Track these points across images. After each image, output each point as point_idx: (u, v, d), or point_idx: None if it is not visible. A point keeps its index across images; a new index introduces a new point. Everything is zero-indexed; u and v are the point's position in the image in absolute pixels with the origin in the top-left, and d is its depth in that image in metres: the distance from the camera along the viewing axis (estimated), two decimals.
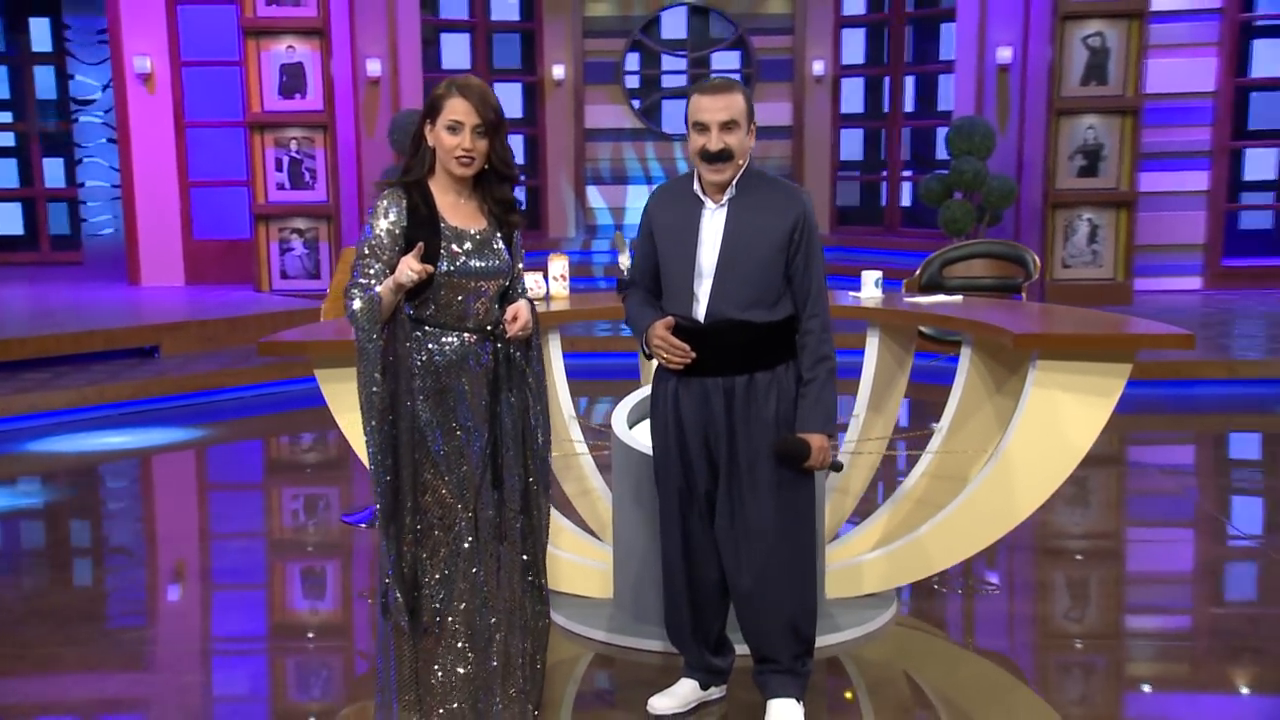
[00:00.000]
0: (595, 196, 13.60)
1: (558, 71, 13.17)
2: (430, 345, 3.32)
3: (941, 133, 12.74)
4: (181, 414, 8.16)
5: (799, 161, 13.20)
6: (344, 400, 4.50)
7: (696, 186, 3.49)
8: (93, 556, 5.79)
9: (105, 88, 12.97)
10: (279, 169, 11.24)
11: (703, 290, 3.44)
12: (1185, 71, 11.24)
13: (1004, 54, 11.33)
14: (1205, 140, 11.43)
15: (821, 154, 13.21)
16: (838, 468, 3.61)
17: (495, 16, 13.21)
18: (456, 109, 3.25)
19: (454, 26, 13.10)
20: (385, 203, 3.31)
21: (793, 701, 3.59)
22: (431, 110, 3.31)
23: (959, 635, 4.60)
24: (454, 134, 3.24)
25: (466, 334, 3.32)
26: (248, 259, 11.72)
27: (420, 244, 3.22)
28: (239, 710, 4.10)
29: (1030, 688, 4.14)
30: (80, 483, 6.85)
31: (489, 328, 3.35)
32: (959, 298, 5.06)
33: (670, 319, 3.44)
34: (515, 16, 13.43)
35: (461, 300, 3.31)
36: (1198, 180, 11.45)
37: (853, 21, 13.14)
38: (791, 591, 3.53)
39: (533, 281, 5.28)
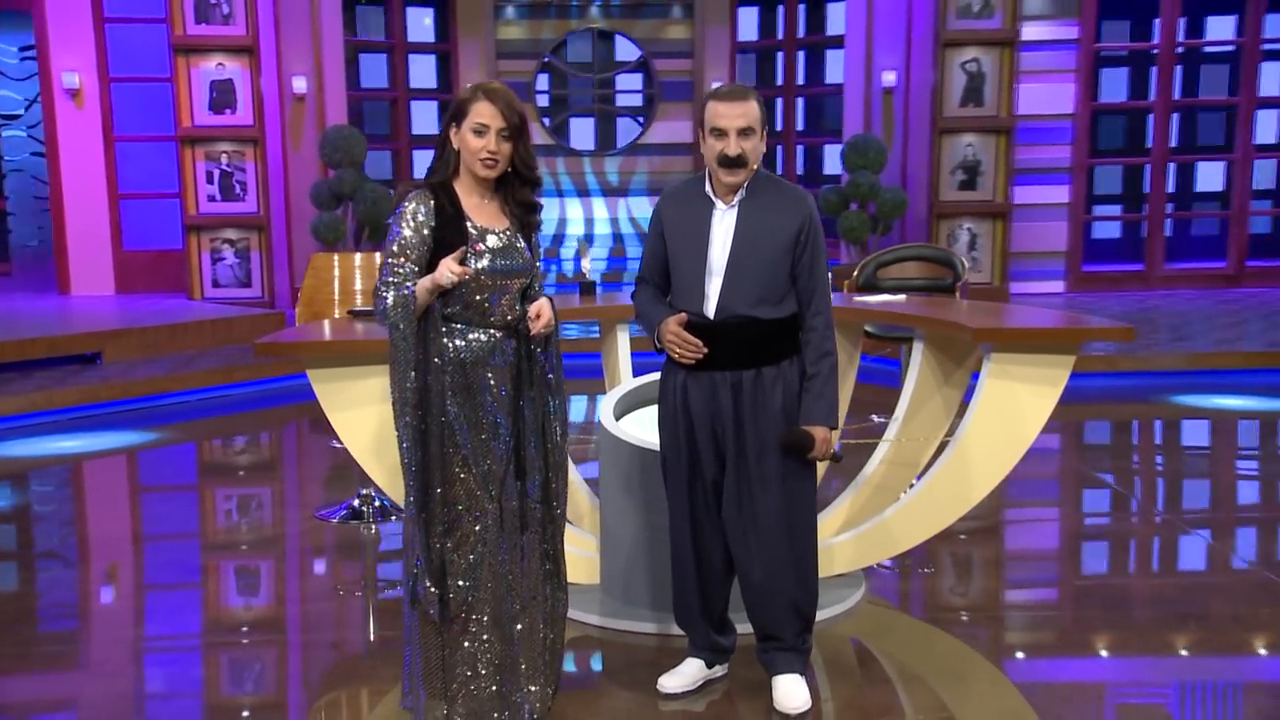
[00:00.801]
0: None
1: None
2: (458, 342, 3.22)
3: (830, 149, 12.93)
4: (129, 418, 7.82)
5: None
6: (336, 399, 4.35)
7: (708, 188, 3.44)
8: (60, 558, 5.49)
9: (32, 103, 12.37)
10: (210, 181, 10.86)
11: (713, 287, 3.39)
12: (1049, 95, 11.56)
13: (889, 78, 11.51)
14: (1066, 158, 11.76)
15: None
16: (837, 458, 3.59)
17: (412, 38, 12.95)
18: (483, 112, 3.16)
19: (373, 47, 12.82)
20: (413, 204, 3.21)
21: (796, 676, 3.56)
22: (458, 113, 3.22)
23: (919, 612, 4.61)
24: (480, 136, 3.16)
25: (492, 331, 3.24)
26: (178, 268, 11.31)
27: (462, 247, 3.13)
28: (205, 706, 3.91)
29: (984, 659, 4.14)
30: (32, 486, 6.51)
31: (512, 325, 3.26)
32: (903, 297, 5.09)
33: (683, 315, 3.39)
34: (431, 38, 13.19)
35: (488, 298, 3.23)
36: (1060, 194, 11.78)
37: (747, 47, 13.22)
38: (796, 575, 3.50)
39: None
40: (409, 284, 3.13)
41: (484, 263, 3.18)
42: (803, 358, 3.42)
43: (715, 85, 3.50)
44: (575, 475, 4.97)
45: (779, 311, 3.39)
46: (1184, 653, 4.13)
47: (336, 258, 5.55)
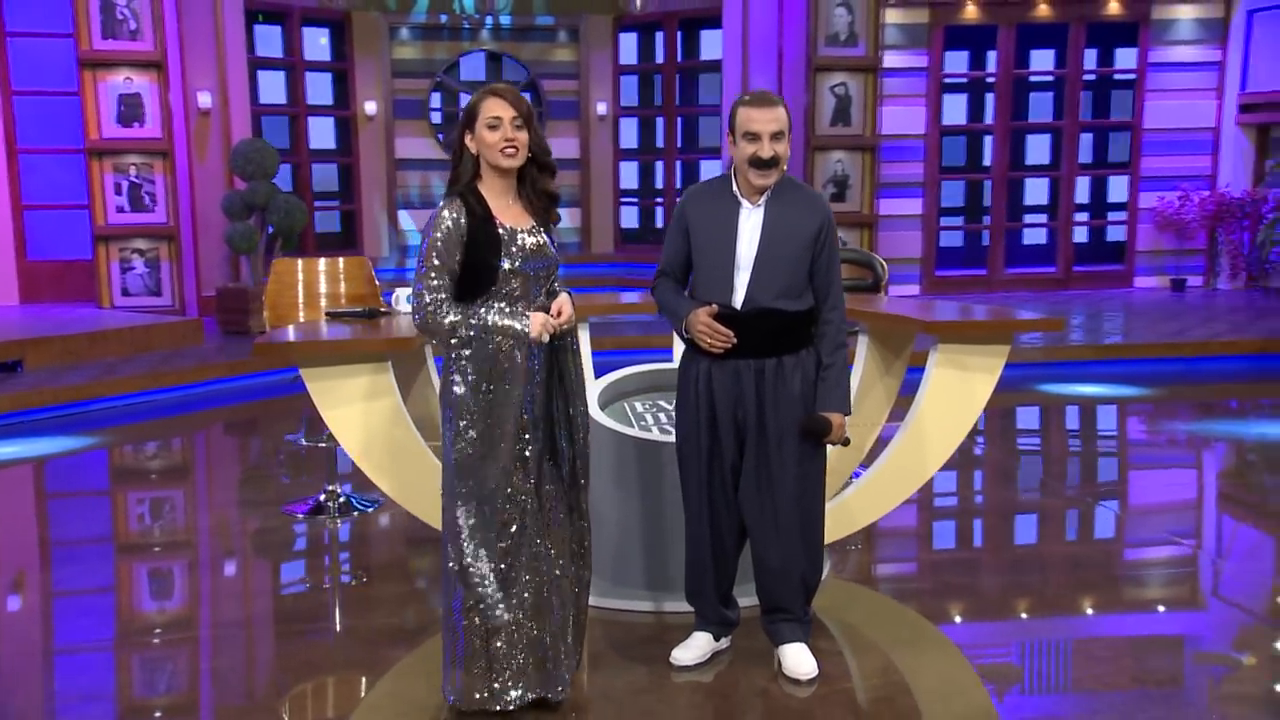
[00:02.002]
0: (406, 219, 13.18)
1: (370, 107, 12.69)
2: (495, 346, 3.16)
3: (705, 164, 13.07)
4: (58, 424, 7.37)
5: (586, 190, 13.22)
6: (329, 397, 4.20)
7: (735, 189, 3.43)
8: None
9: None
10: (118, 193, 10.31)
11: (740, 281, 3.39)
12: (906, 117, 11.95)
13: None
14: (919, 174, 12.16)
15: (605, 183, 13.29)
16: (846, 442, 3.62)
17: (309, 56, 12.56)
18: (493, 107, 3.13)
19: (272, 64, 12.37)
20: (447, 211, 3.13)
21: (802, 645, 3.58)
22: (469, 118, 3.18)
23: (870, 585, 4.70)
24: (495, 130, 3.12)
25: (522, 327, 3.16)
26: (85, 278, 10.75)
27: (556, 312, 3.18)
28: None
29: (933, 625, 4.22)
30: None
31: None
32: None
33: (713, 307, 3.37)
34: (327, 57, 12.81)
35: (525, 292, 3.17)
36: (915, 206, 12.18)
37: (629, 70, 13.26)
38: (806, 551, 3.53)
39: None
40: (442, 291, 3.09)
41: (513, 262, 3.13)
42: (818, 348, 3.45)
43: (753, 93, 3.49)
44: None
45: (799, 304, 3.42)
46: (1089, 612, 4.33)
47: (300, 263, 5.35)
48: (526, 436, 3.18)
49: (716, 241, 3.42)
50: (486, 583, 3.16)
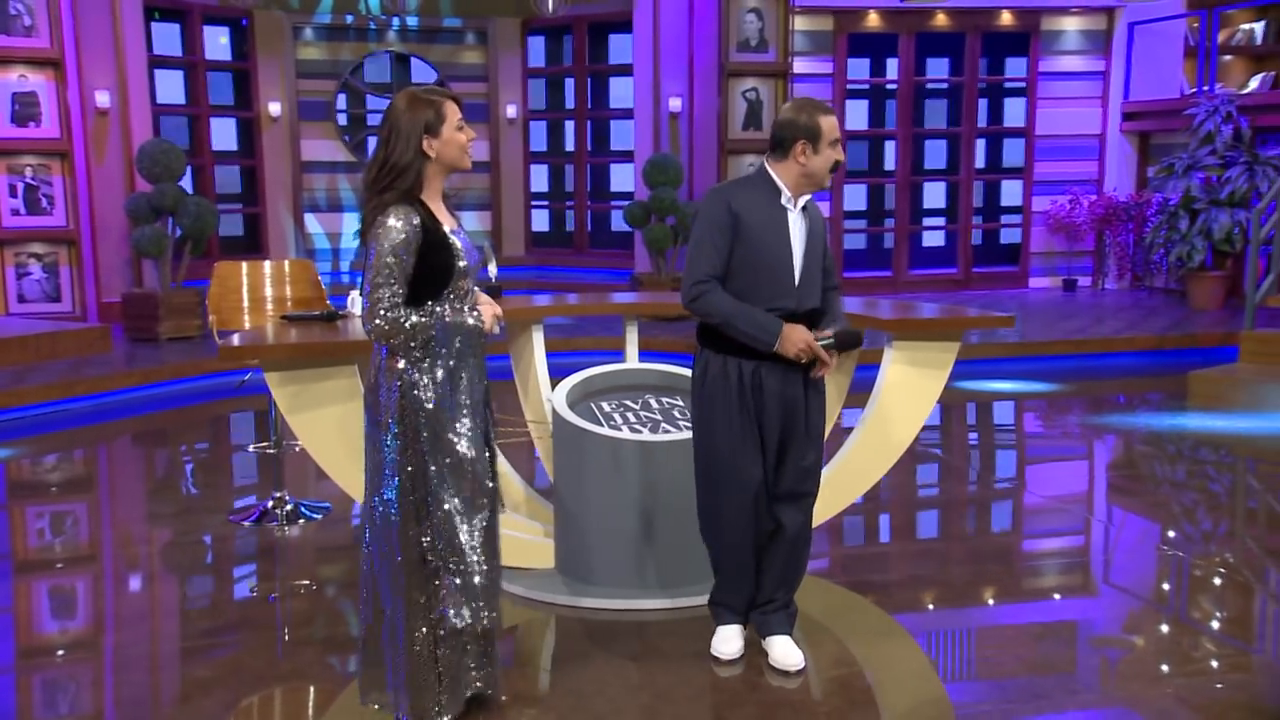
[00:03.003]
0: (312, 223, 12.93)
1: (274, 108, 12.42)
2: (459, 339, 3.23)
3: (615, 168, 13.15)
4: None
5: (497, 192, 13.16)
6: (294, 401, 4.15)
7: (785, 194, 3.48)
8: None
9: None
10: (14, 195, 9.89)
11: (797, 283, 3.47)
12: None
13: (675, 103, 11.84)
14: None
15: (516, 186, 13.25)
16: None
17: (209, 56, 12.23)
18: (455, 108, 3.21)
19: (171, 63, 12.01)
20: (397, 218, 3.11)
21: (788, 637, 3.71)
22: (436, 120, 3.16)
23: (838, 578, 4.82)
24: (462, 130, 3.20)
25: (475, 321, 3.24)
26: None
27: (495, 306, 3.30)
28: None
29: (877, 607, 4.40)
30: None
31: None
32: None
33: (821, 331, 3.49)
34: (228, 56, 12.50)
35: (469, 290, 3.26)
36: (823, 209, 12.41)
37: (537, 73, 13.25)
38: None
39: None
40: (434, 314, 3.13)
41: (460, 261, 3.20)
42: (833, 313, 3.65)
43: (816, 101, 3.61)
44: (505, 466, 4.92)
45: (820, 303, 3.60)
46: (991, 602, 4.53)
47: (245, 266, 5.24)
48: (479, 415, 3.25)
49: (774, 246, 3.44)
50: (473, 571, 3.16)
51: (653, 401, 4.53)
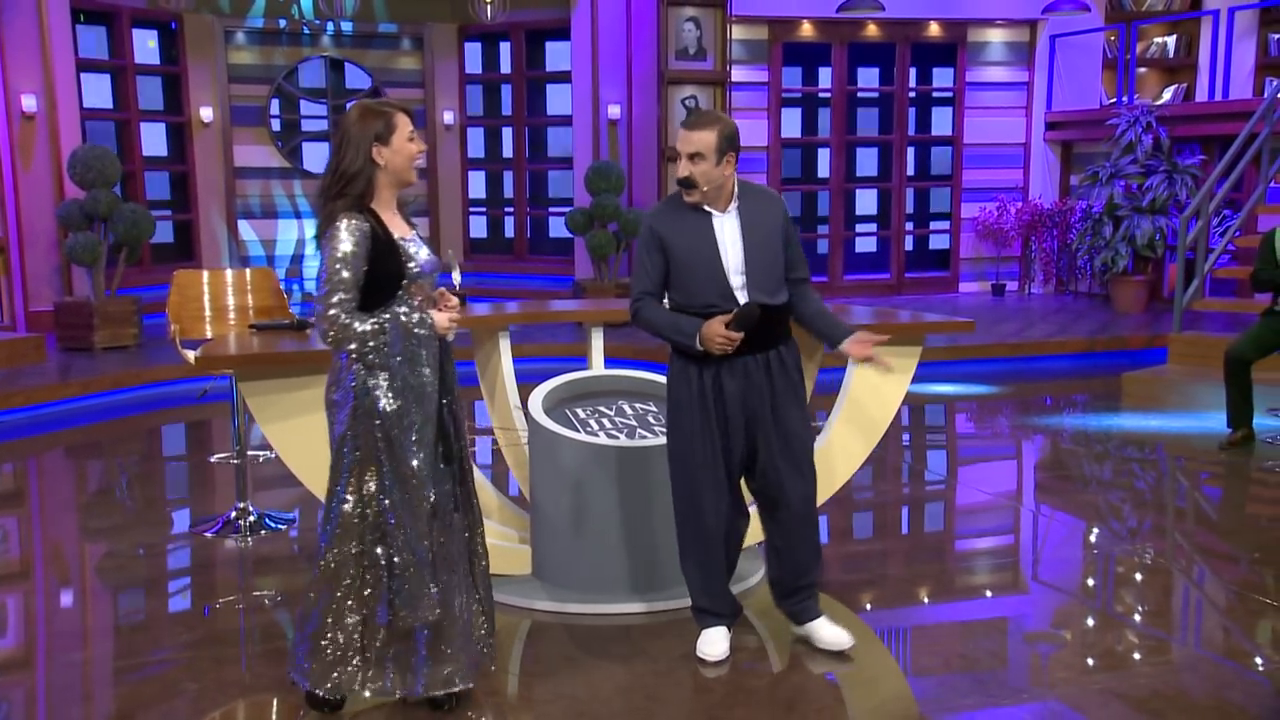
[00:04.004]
0: (246, 229, 12.72)
1: (206, 113, 12.20)
2: (413, 344, 3.26)
3: (553, 175, 13.15)
4: None
5: (434, 199, 13.08)
6: (269, 411, 4.12)
7: (704, 203, 3.60)
8: None
9: None
10: None
11: (736, 283, 3.55)
12: (749, 130, 12.33)
13: (614, 111, 11.90)
14: (763, 185, 12.56)
15: (453, 193, 13.19)
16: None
17: (138, 59, 11.96)
18: (407, 120, 3.28)
19: (96, 67, 11.73)
20: (348, 227, 3.17)
21: (825, 619, 3.86)
22: (387, 130, 3.22)
23: None
24: (413, 141, 3.27)
25: (427, 328, 3.30)
26: None
27: (455, 302, 3.36)
28: None
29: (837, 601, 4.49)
30: None
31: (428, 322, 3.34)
32: None
33: (725, 317, 3.52)
34: (155, 60, 12.24)
35: (422, 299, 3.31)
36: None
37: (474, 79, 13.21)
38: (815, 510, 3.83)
39: None
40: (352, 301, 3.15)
41: (412, 269, 3.25)
42: (811, 308, 3.78)
43: (692, 114, 3.68)
44: (478, 474, 4.92)
45: (782, 299, 3.66)
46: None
47: (206, 274, 5.16)
48: (425, 432, 3.28)
49: (700, 251, 3.56)
50: (410, 573, 3.22)
51: (626, 407, 4.57)
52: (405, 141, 3.23)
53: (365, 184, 3.20)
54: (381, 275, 3.19)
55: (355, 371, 3.21)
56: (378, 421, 3.19)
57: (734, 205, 3.61)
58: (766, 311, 3.57)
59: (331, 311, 3.13)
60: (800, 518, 3.76)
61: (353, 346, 3.16)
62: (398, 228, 3.27)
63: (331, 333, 3.14)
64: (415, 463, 3.21)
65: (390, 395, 3.19)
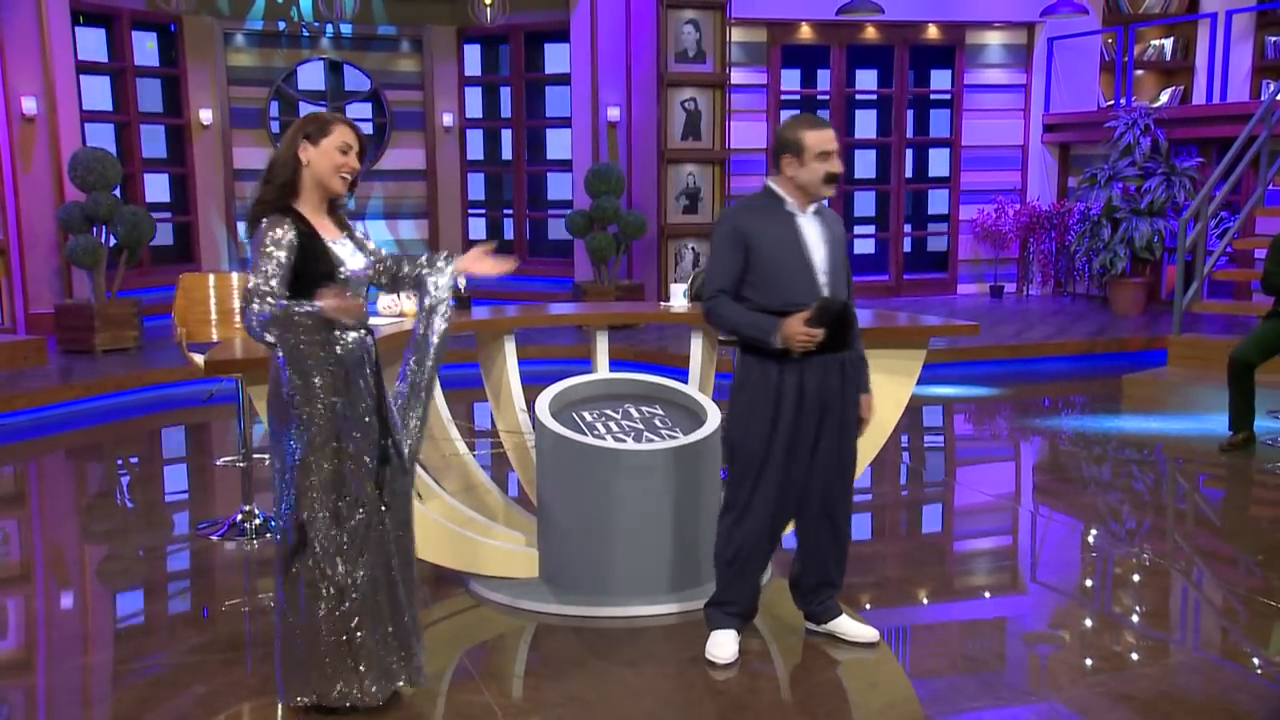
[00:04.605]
0: (245, 231, 12.69)
1: (205, 115, 12.19)
2: (338, 346, 3.27)
3: (552, 177, 13.15)
4: None
5: (433, 201, 13.09)
6: None
7: (790, 203, 3.66)
8: None
9: None
10: None
11: (822, 282, 3.61)
12: (750, 132, 12.38)
13: (613, 113, 11.90)
14: (760, 186, 12.57)
15: (452, 194, 13.19)
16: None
17: (138, 61, 11.95)
18: (347, 134, 3.29)
19: (96, 69, 11.71)
20: (277, 227, 3.19)
21: (847, 615, 3.93)
22: (319, 132, 3.25)
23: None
24: (345, 155, 3.27)
25: (359, 331, 3.32)
26: None
27: (333, 286, 3.22)
28: None
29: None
30: None
31: (365, 321, 3.36)
32: None
33: (804, 315, 3.54)
34: (154, 62, 12.23)
35: (340, 303, 3.27)
36: None
37: (473, 81, 13.21)
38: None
39: (390, 300, 5.07)
40: (301, 305, 3.14)
41: (342, 273, 3.27)
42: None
43: (805, 115, 3.77)
44: (481, 476, 4.93)
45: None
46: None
47: (212, 278, 5.16)
48: (365, 425, 3.30)
49: (789, 249, 3.62)
50: (338, 573, 3.25)
51: (633, 410, 4.58)
52: (334, 149, 3.23)
53: (288, 175, 3.22)
54: (309, 279, 3.20)
55: (282, 367, 3.24)
56: (307, 416, 3.22)
57: (813, 208, 3.66)
58: (845, 310, 3.63)
59: (258, 298, 3.13)
60: (840, 518, 3.84)
61: (272, 336, 3.18)
62: (329, 232, 3.28)
63: (257, 318, 3.12)
64: (347, 456, 3.25)
65: (314, 394, 3.22)
